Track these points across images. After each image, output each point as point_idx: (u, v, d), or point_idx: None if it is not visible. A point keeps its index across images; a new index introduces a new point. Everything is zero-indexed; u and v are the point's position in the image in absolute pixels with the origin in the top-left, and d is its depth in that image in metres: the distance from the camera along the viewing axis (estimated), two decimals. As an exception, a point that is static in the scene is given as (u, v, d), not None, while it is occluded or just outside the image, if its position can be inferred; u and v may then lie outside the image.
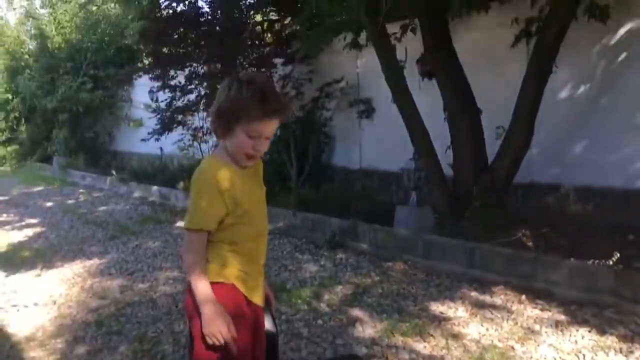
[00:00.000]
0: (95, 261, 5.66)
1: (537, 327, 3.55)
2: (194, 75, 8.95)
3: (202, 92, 9.01)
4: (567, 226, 5.37)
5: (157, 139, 9.72)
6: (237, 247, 1.97)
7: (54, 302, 4.49)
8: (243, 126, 1.87)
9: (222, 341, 1.84)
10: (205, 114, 9.31)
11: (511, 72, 5.68)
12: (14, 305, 4.47)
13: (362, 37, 6.46)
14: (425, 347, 3.34)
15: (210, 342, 1.85)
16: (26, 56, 15.12)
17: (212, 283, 1.91)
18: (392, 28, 5.97)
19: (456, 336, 3.46)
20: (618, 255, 4.15)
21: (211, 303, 1.87)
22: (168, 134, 9.62)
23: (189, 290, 1.95)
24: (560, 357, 3.12)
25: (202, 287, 1.88)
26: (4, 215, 8.59)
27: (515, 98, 5.24)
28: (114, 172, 11.52)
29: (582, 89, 5.71)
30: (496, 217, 5.25)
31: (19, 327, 3.99)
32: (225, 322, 1.86)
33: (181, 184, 8.98)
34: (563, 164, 5.84)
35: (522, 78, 5.20)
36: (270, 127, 1.92)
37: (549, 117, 5.61)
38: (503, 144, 5.43)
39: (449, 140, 5.75)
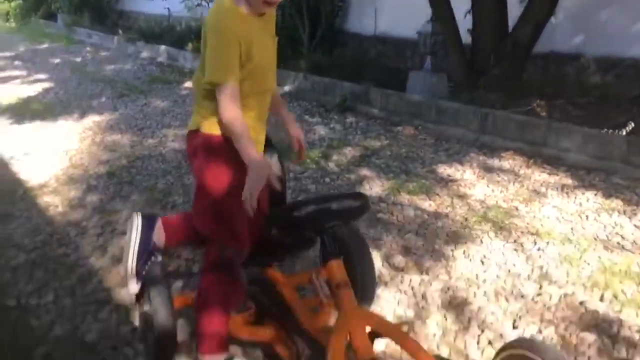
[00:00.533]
0: (105, 117, 5.65)
1: (543, 189, 3.57)
2: None
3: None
4: (585, 97, 5.23)
5: (164, -3, 9.35)
6: (245, 102, 1.90)
7: (66, 153, 4.54)
8: None
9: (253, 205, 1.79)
10: (214, -30, 8.84)
11: None
12: (27, 154, 4.53)
13: None
14: (430, 205, 3.39)
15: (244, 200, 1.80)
16: None
17: (221, 135, 1.88)
18: None
19: (462, 196, 3.50)
20: (632, 124, 4.08)
21: (256, 160, 1.80)
22: (175, -9, 9.23)
23: (191, 142, 1.98)
24: (563, 217, 3.16)
25: (244, 146, 1.80)
26: (12, 70, 8.48)
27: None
28: (120, 31, 11.20)
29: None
30: (513, 86, 5.12)
31: (31, 175, 4.06)
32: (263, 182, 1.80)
33: (190, 45, 8.75)
34: (586, 32, 5.55)
35: None
36: None
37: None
38: (526, 9, 5.19)
39: (469, 3, 5.46)
